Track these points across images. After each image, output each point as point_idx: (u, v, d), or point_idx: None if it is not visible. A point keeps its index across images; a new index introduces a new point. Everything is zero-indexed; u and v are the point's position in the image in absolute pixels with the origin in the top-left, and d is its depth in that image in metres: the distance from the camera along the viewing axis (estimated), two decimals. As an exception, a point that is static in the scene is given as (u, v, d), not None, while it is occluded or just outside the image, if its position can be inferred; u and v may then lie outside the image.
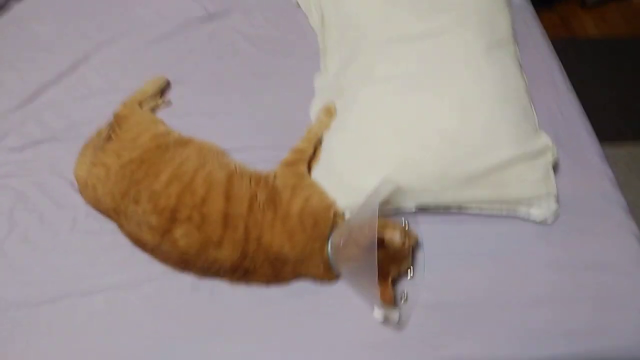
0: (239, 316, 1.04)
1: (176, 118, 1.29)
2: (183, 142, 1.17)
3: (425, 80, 1.19)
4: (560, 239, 1.13)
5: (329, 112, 1.25)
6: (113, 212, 1.09)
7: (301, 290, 1.06)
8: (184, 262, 1.05)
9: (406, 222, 1.14)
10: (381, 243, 0.97)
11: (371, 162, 1.12)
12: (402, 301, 1.06)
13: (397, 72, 1.22)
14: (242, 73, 1.40)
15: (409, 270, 1.10)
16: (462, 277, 1.10)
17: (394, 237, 1.01)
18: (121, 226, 1.09)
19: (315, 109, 1.30)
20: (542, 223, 1.14)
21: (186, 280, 1.07)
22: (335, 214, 1.09)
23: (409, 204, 1.13)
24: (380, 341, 1.01)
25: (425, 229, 1.14)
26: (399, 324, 1.02)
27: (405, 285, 1.09)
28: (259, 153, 1.23)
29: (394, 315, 1.01)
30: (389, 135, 1.14)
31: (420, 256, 1.12)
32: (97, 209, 1.12)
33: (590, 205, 1.18)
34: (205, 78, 1.39)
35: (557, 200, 1.15)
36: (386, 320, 1.00)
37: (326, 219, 1.06)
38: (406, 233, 1.06)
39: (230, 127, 1.29)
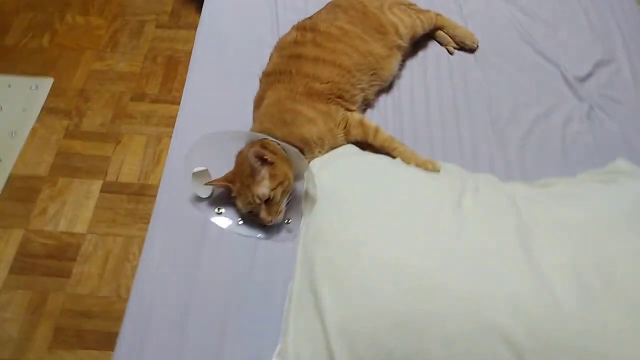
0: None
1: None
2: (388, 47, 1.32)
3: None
4: None
5: (427, 163, 1.14)
6: None
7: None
8: None
9: (288, 219, 1.10)
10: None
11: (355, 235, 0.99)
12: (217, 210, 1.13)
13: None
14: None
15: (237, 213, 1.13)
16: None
17: (263, 187, 1.05)
18: None
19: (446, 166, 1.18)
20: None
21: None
22: (299, 142, 1.14)
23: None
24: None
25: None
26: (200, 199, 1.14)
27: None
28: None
29: (203, 191, 1.13)
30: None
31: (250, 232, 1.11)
32: None
33: None
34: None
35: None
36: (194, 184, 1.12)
37: (290, 127, 1.14)
38: (274, 207, 1.06)
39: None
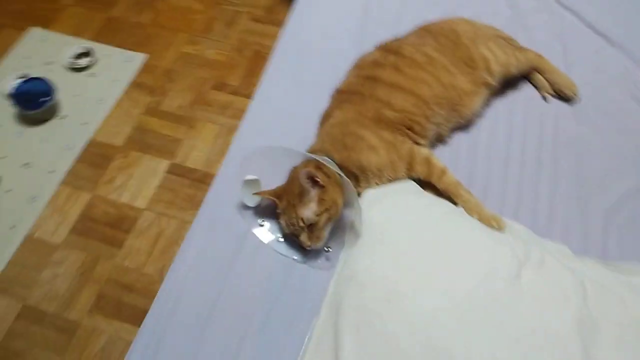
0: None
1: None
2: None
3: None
4: None
5: (492, 219, 1.03)
6: None
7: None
8: None
9: (328, 247, 1.05)
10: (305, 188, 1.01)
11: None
12: (261, 222, 1.11)
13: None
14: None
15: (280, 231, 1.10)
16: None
17: (309, 210, 1.00)
18: None
19: (514, 226, 1.07)
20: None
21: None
22: (356, 169, 1.08)
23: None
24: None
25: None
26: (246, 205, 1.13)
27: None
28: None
29: (250, 200, 1.11)
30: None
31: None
32: None
33: None
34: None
35: None
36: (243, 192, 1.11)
37: (349, 151, 1.08)
38: (316, 232, 1.01)
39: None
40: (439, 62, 1.20)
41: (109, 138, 1.97)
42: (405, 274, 0.88)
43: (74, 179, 1.87)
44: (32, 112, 1.94)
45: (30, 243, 1.73)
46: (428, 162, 1.11)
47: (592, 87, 1.31)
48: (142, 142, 1.97)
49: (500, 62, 1.24)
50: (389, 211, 1.00)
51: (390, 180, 1.10)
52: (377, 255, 0.93)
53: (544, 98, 1.31)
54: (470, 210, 1.05)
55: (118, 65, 2.16)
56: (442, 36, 1.25)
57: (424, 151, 1.13)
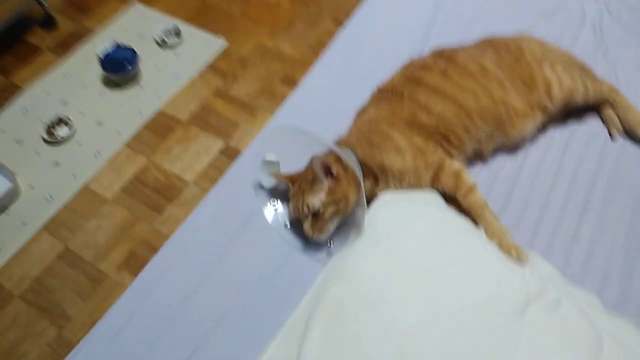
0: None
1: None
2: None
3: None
4: None
5: (512, 248, 0.93)
6: None
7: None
8: None
9: (331, 242, 1.01)
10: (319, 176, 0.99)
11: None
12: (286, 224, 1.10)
13: None
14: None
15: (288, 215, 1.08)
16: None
17: (317, 198, 0.98)
18: None
19: (538, 261, 0.96)
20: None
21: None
22: (376, 167, 1.04)
23: None
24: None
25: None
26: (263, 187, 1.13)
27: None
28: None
29: (267, 180, 1.10)
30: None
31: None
32: None
33: None
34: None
35: None
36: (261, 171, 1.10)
37: (373, 149, 1.04)
38: (319, 223, 0.98)
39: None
40: (493, 75, 1.12)
41: (175, 111, 2.08)
42: (392, 280, 0.82)
43: (136, 143, 1.99)
44: (115, 76, 2.10)
45: (86, 193, 1.86)
46: (457, 176, 1.03)
47: (672, 133, 1.15)
48: (204, 120, 2.05)
49: (564, 87, 1.13)
50: (396, 216, 0.94)
51: (411, 187, 1.03)
52: (369, 256, 0.87)
53: (611, 136, 1.17)
54: (491, 234, 0.96)
55: (200, 47, 2.28)
56: (505, 50, 1.17)
57: (455, 164, 1.05)
